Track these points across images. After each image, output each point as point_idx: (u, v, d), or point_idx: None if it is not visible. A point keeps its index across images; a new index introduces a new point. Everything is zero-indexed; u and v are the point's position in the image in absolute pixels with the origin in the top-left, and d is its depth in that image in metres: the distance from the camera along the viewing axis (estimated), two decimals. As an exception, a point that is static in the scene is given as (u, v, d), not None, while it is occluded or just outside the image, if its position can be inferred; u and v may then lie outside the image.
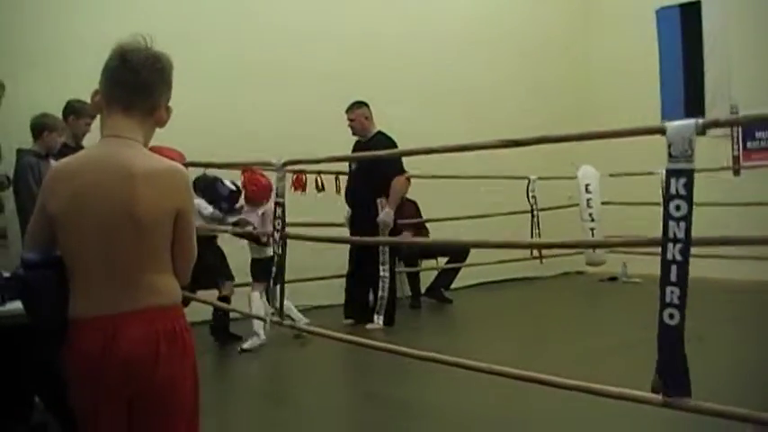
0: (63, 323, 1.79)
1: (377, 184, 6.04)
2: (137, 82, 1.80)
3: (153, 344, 1.75)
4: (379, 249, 6.03)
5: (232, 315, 5.66)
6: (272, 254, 4.59)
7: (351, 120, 6.22)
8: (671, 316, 2.34)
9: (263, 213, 5.51)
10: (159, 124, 1.91)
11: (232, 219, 5.57)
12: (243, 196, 5.68)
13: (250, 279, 5.67)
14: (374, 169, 6.01)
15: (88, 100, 1.96)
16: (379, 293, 6.06)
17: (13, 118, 4.87)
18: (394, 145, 5.92)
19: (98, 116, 1.92)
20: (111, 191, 1.74)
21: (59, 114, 4.96)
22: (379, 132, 6.17)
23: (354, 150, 6.22)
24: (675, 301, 2.33)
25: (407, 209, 7.58)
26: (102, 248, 1.75)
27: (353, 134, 6.22)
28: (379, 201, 6.02)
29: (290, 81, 6.86)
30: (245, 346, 5.40)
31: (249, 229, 5.48)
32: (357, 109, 6.21)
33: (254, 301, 5.41)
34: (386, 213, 6.01)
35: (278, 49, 6.88)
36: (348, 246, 6.38)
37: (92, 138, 4.70)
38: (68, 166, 1.84)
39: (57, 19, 5.73)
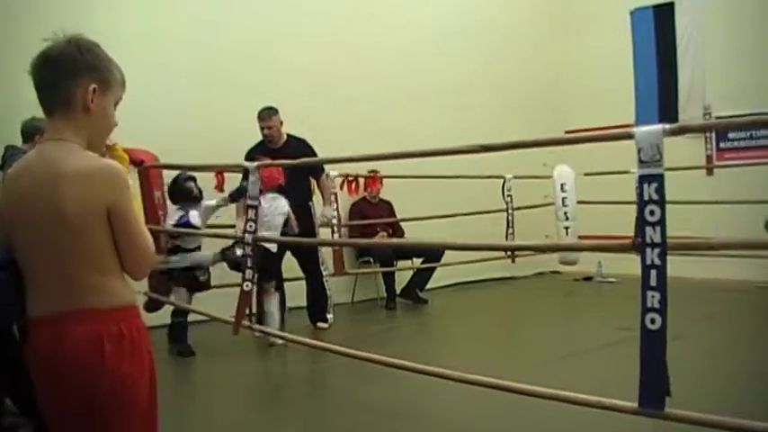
0: (23, 324, 1.81)
1: (308, 187, 6.24)
2: (39, 84, 1.82)
3: (97, 345, 1.74)
4: (318, 250, 6.21)
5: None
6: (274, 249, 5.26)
7: (269, 128, 5.88)
8: (652, 321, 2.33)
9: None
10: (88, 112, 1.82)
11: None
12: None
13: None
14: (305, 172, 6.08)
15: None
16: (328, 293, 6.27)
17: (10, 120, 4.69)
18: (312, 147, 6.00)
19: None
20: (42, 192, 1.75)
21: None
22: (291, 136, 6.02)
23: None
24: (656, 305, 2.33)
25: (382, 209, 7.55)
26: (42, 250, 1.77)
27: (268, 143, 5.91)
28: (310, 203, 6.17)
29: (261, 80, 6.72)
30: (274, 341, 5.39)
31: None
32: (274, 116, 5.91)
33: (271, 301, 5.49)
34: (330, 210, 6.27)
35: (250, 48, 6.76)
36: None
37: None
38: (16, 170, 1.85)
39: (53, 19, 5.52)
